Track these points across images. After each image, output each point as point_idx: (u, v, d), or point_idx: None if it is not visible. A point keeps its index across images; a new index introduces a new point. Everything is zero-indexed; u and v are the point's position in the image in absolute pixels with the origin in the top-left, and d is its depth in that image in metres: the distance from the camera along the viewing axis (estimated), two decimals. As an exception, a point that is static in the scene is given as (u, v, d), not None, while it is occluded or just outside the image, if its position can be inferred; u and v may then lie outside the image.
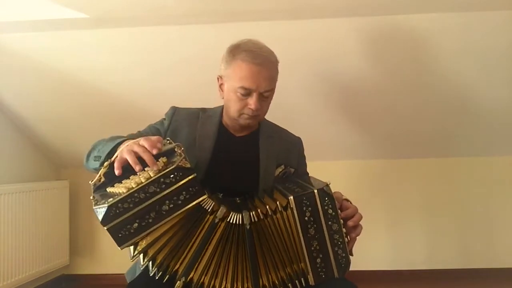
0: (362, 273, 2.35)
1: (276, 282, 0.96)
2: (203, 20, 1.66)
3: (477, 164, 2.51)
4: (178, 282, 0.92)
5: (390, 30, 1.73)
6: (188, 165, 0.88)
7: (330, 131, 2.28)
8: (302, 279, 0.95)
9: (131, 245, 0.88)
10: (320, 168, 2.43)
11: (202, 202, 0.91)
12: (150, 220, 0.87)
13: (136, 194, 0.85)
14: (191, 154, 1.12)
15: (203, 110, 1.25)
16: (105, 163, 0.93)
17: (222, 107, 1.25)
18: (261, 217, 0.95)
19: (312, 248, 0.93)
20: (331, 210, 0.93)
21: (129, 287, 0.98)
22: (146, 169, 0.86)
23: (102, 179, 0.92)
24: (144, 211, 0.86)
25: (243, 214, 0.95)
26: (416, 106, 2.12)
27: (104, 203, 0.84)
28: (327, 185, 0.94)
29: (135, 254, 0.89)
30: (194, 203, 0.90)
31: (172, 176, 0.86)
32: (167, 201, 0.87)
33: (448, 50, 1.81)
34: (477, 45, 1.79)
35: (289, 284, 0.95)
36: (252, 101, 1.10)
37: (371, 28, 1.74)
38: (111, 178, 0.92)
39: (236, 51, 1.13)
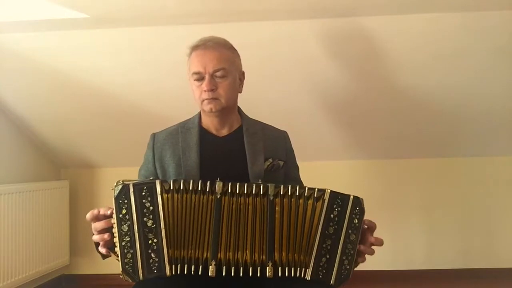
0: (362, 273, 2.35)
1: (283, 261, 0.96)
2: (203, 20, 1.66)
3: (477, 164, 2.50)
4: (211, 266, 0.93)
5: (390, 30, 1.74)
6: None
7: (330, 131, 2.28)
8: (303, 269, 0.95)
9: (169, 264, 0.93)
10: (320, 168, 2.45)
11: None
12: (156, 240, 0.92)
13: (123, 239, 0.91)
14: (181, 173, 1.15)
15: (182, 124, 1.25)
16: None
17: (199, 112, 1.25)
18: (289, 192, 0.97)
19: (324, 245, 0.95)
20: (356, 221, 0.96)
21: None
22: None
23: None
24: (144, 238, 0.91)
25: (269, 185, 0.96)
26: (415, 106, 2.12)
27: (123, 273, 0.92)
28: (362, 199, 0.97)
29: (171, 267, 0.93)
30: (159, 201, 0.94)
31: (121, 202, 0.92)
32: (145, 219, 0.92)
33: (447, 50, 1.81)
34: (475, 45, 1.79)
35: (286, 268, 0.95)
36: (204, 83, 1.13)
37: (367, 29, 1.74)
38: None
39: (191, 49, 1.19)
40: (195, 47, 1.18)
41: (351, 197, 0.96)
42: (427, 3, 1.61)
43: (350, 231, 0.95)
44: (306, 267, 0.95)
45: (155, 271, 0.92)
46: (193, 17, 1.65)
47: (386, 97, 2.06)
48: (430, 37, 1.76)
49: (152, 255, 0.92)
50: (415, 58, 1.85)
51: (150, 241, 0.92)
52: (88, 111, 2.18)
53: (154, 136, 1.25)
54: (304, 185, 1.29)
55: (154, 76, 1.95)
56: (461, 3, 1.60)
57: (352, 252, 0.95)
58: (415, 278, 2.47)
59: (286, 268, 0.95)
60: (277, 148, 1.25)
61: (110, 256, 0.99)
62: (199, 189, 0.95)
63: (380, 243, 1.00)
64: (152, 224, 0.92)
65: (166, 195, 0.94)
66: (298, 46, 1.80)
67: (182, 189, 0.95)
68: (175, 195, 0.95)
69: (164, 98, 2.05)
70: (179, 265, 0.93)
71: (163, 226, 0.92)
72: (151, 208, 0.92)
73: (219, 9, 1.62)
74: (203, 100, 1.15)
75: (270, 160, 1.20)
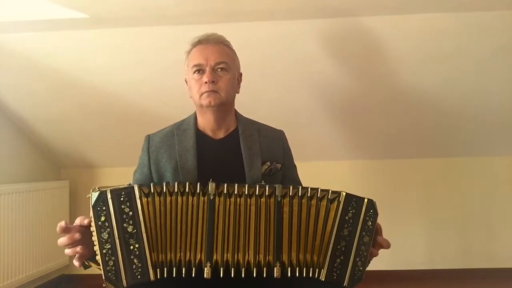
0: (362, 273, 2.35)
1: (294, 263, 0.96)
2: (203, 20, 1.66)
3: (477, 164, 2.51)
4: (206, 268, 0.92)
5: (390, 30, 1.74)
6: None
7: (330, 131, 2.28)
8: (316, 270, 0.96)
9: (153, 268, 0.91)
10: (320, 168, 2.45)
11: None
12: (137, 246, 0.90)
13: (104, 247, 0.89)
14: (178, 176, 1.13)
15: (177, 125, 1.24)
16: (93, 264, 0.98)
17: (194, 113, 1.24)
18: (299, 193, 0.96)
19: (338, 247, 0.96)
20: (370, 223, 0.97)
21: None
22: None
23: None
24: (125, 244, 0.89)
25: (276, 186, 0.96)
26: (415, 106, 2.12)
27: (106, 281, 0.89)
28: (375, 202, 0.98)
29: (155, 271, 0.91)
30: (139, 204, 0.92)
31: (99, 210, 0.90)
32: (125, 224, 0.91)
33: (447, 50, 1.81)
34: (475, 45, 1.79)
35: (297, 268, 0.95)
36: (205, 75, 1.13)
37: (367, 29, 1.74)
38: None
39: (192, 45, 1.20)
40: (196, 43, 1.18)
41: (366, 199, 0.97)
42: (427, 3, 1.61)
43: (363, 233, 0.96)
44: (321, 267, 0.95)
45: (138, 277, 0.89)
46: (193, 17, 1.65)
47: (386, 97, 2.06)
48: (430, 37, 1.76)
49: (135, 260, 0.90)
50: (415, 58, 1.85)
51: (131, 247, 0.90)
52: (88, 111, 2.18)
53: (148, 138, 1.23)
54: (303, 185, 1.30)
55: (154, 76, 1.95)
56: (461, 3, 1.60)
57: (365, 253, 0.96)
58: (415, 278, 2.47)
59: (297, 269, 0.95)
60: (275, 150, 1.24)
61: (90, 266, 0.96)
62: (186, 191, 0.94)
63: (387, 245, 1.01)
64: (133, 230, 0.90)
65: (145, 199, 0.92)
66: (298, 46, 1.80)
67: (165, 192, 0.93)
68: (157, 198, 0.93)
69: (164, 97, 2.05)
70: (165, 269, 0.92)
71: (144, 231, 0.91)
72: (131, 213, 0.90)
73: (219, 9, 1.62)
74: (202, 94, 1.14)
75: (268, 163, 1.19)
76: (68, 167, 2.63)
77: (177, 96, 1.98)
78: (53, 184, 2.42)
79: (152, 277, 0.90)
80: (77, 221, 0.95)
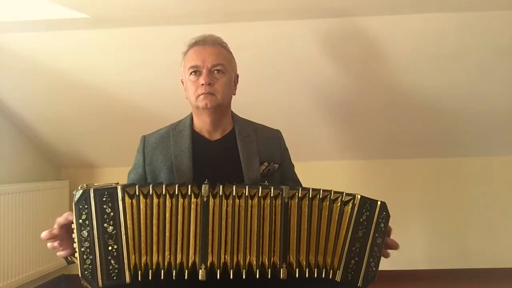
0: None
1: (303, 264, 0.95)
2: (203, 20, 1.66)
3: (477, 164, 2.50)
4: (201, 271, 0.91)
5: (389, 30, 1.74)
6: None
7: (329, 131, 2.28)
8: (330, 271, 0.96)
9: (129, 271, 0.90)
10: (320, 168, 2.45)
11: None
12: (116, 247, 0.90)
13: (83, 245, 0.89)
14: (173, 177, 1.13)
15: (173, 126, 1.24)
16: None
17: (190, 114, 1.24)
18: (310, 195, 0.96)
19: (353, 248, 0.96)
20: (383, 225, 0.99)
21: None
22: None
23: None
24: (103, 244, 0.89)
25: (284, 188, 0.96)
26: (415, 106, 2.12)
27: (82, 279, 0.90)
28: (386, 204, 1.00)
29: (132, 273, 0.90)
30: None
31: (81, 208, 0.90)
32: (105, 225, 0.90)
33: (447, 50, 1.81)
34: (475, 45, 1.79)
35: (307, 270, 0.95)
36: (201, 77, 1.13)
37: (367, 29, 1.74)
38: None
39: (189, 46, 1.20)
40: (193, 44, 1.18)
41: (379, 202, 0.99)
42: (427, 3, 1.61)
43: (377, 234, 0.98)
44: (336, 269, 0.95)
45: (114, 278, 0.89)
46: (193, 17, 1.65)
47: (386, 97, 2.06)
48: (430, 37, 1.76)
49: (112, 261, 0.89)
50: (415, 58, 1.85)
51: (110, 247, 0.89)
52: (88, 111, 2.18)
53: (144, 139, 1.22)
54: (303, 185, 1.30)
55: (154, 76, 1.95)
56: (461, 3, 1.60)
57: (378, 254, 0.98)
58: (415, 278, 2.47)
59: (307, 270, 0.95)
60: (272, 150, 1.24)
61: (74, 262, 0.96)
62: (176, 193, 0.93)
63: (396, 246, 1.03)
64: (113, 230, 0.90)
65: (130, 200, 0.91)
66: (298, 46, 1.80)
67: (152, 194, 0.92)
68: (143, 200, 0.92)
69: (164, 97, 2.05)
70: (150, 272, 0.91)
71: (124, 232, 0.90)
72: (112, 214, 0.90)
73: (218, 9, 1.62)
74: (198, 96, 1.14)
75: (266, 164, 1.19)
76: (68, 167, 2.63)
77: (177, 96, 1.97)
78: (53, 184, 2.42)
79: (128, 279, 0.89)
80: (64, 216, 0.95)
